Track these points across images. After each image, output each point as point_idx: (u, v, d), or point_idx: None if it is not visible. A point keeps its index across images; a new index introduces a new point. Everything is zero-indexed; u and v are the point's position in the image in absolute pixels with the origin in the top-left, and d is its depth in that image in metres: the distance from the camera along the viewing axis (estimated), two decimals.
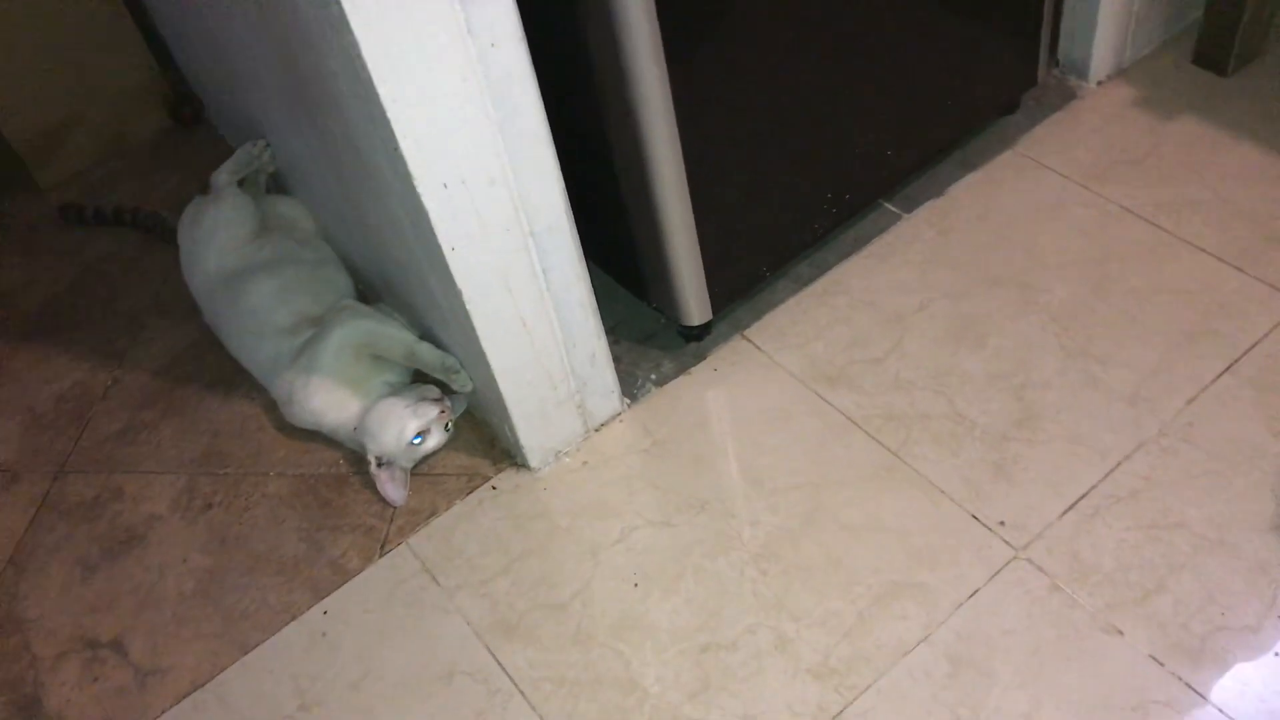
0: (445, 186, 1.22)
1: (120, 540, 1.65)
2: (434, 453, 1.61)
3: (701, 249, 1.52)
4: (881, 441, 1.52)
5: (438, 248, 1.27)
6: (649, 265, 1.58)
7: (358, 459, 1.66)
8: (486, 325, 1.38)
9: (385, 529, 1.58)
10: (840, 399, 1.58)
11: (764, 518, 1.47)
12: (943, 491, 1.45)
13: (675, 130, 1.37)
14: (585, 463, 1.59)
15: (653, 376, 1.67)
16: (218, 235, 1.81)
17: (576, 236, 1.40)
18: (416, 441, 1.56)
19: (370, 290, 1.85)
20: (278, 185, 1.99)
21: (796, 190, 1.61)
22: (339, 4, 1.04)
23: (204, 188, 1.92)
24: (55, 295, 2.10)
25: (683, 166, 1.41)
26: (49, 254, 2.19)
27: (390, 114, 1.13)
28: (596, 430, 1.62)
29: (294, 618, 1.50)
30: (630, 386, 1.65)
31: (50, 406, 1.88)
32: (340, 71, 1.17)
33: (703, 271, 1.55)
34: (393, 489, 1.57)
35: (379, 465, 1.57)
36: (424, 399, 1.58)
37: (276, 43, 1.39)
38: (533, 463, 1.59)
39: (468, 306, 1.34)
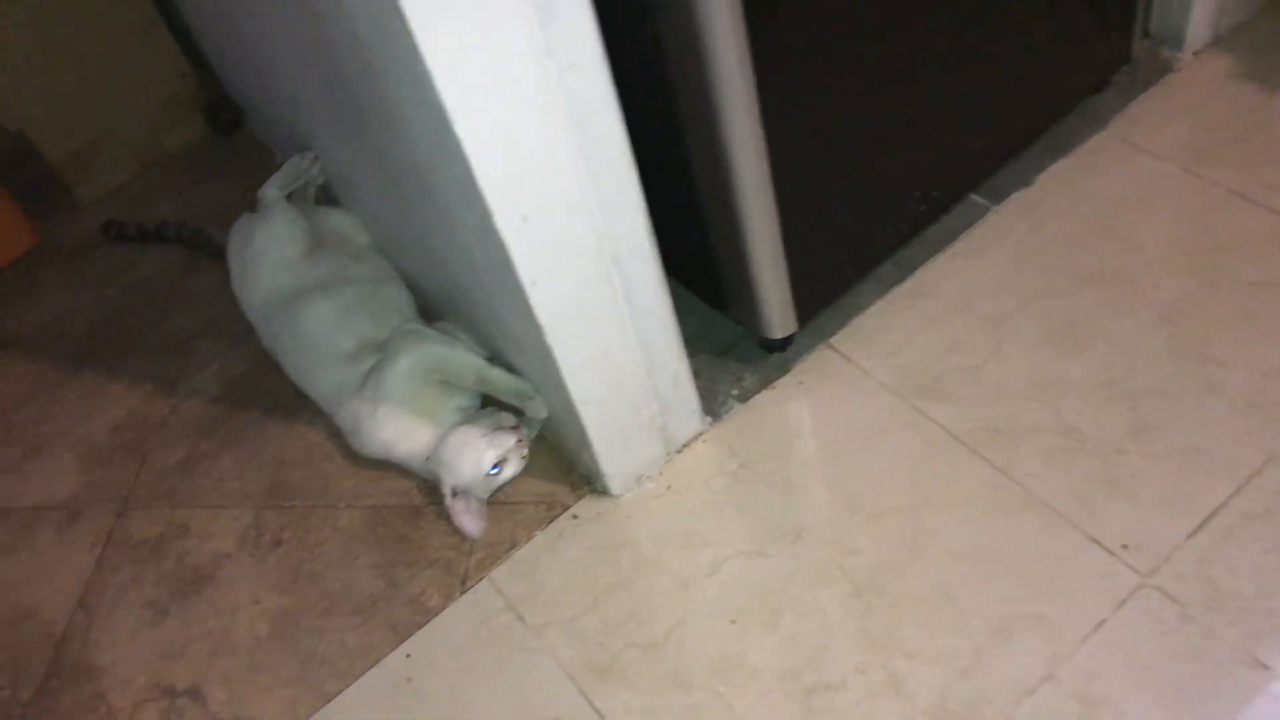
0: (525, 219, 1.14)
1: (189, 581, 1.59)
2: (510, 480, 1.53)
3: (787, 258, 1.43)
4: (986, 458, 1.43)
5: (516, 283, 1.19)
6: (729, 277, 1.49)
7: (430, 488, 1.60)
8: (568, 357, 1.30)
9: (465, 563, 1.51)
10: (938, 412, 1.49)
11: (865, 545, 1.39)
12: (1057, 512, 1.36)
13: (761, 134, 1.27)
14: (669, 488, 1.51)
15: (734, 392, 1.59)
16: (270, 254, 1.74)
17: (659, 259, 1.32)
18: (494, 472, 1.49)
19: (431, 307, 1.77)
20: (327, 197, 1.92)
21: (884, 189, 1.51)
22: (408, 31, 0.95)
23: (252, 203, 1.85)
24: (102, 319, 2.04)
25: (768, 171, 1.32)
26: (93, 275, 2.13)
27: (467, 148, 1.05)
28: (679, 452, 1.55)
29: (375, 662, 1.44)
30: (711, 403, 1.57)
31: (106, 438, 1.82)
32: (407, 99, 1.09)
33: (788, 282, 1.46)
34: (469, 520, 1.51)
35: (454, 496, 1.50)
36: (500, 427, 1.50)
37: (329, 61, 1.30)
38: (614, 489, 1.51)
39: (548, 340, 1.26)
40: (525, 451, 1.52)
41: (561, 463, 1.58)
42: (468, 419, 1.55)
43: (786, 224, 1.39)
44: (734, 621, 1.36)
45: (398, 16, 0.94)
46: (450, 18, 0.96)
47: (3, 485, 1.80)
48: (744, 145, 1.27)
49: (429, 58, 0.97)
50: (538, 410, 1.50)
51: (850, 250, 1.54)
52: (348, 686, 1.43)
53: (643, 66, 1.24)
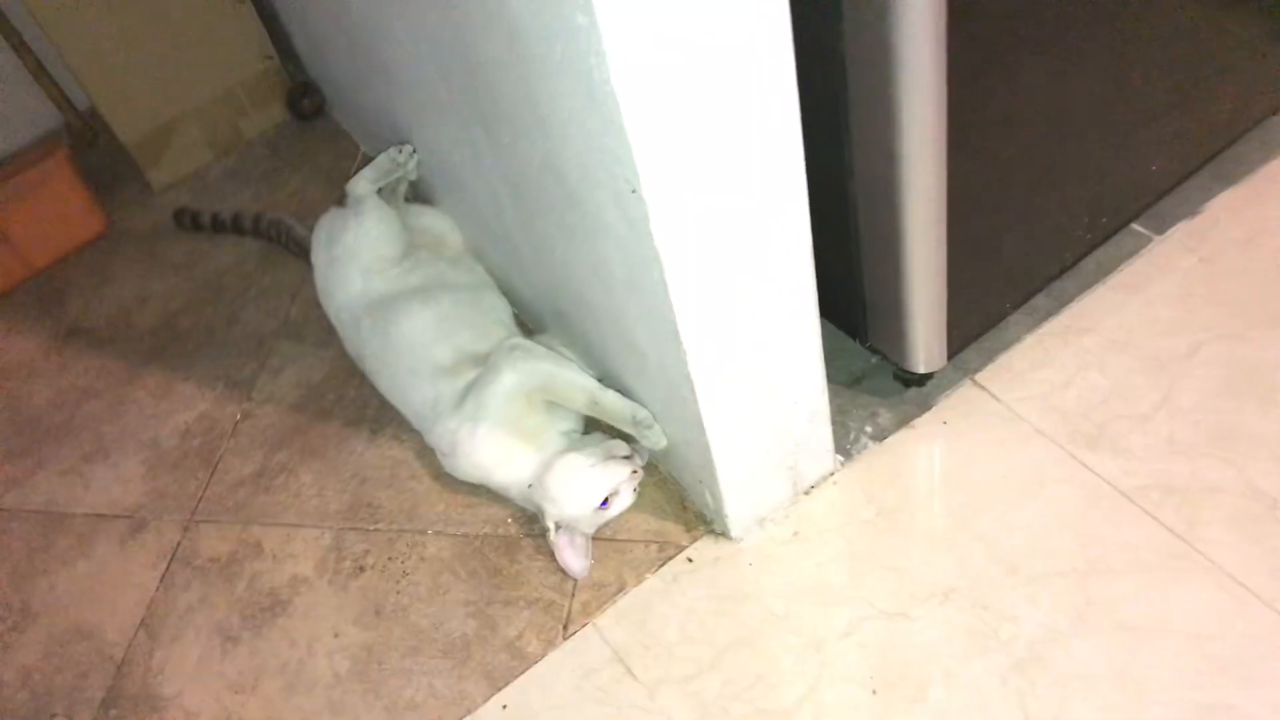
0: (686, 232, 1.00)
1: (262, 607, 1.46)
2: (618, 516, 1.39)
3: (949, 286, 1.28)
4: (1160, 520, 1.27)
5: (668, 304, 1.05)
6: (875, 301, 1.34)
7: (528, 517, 1.46)
8: (708, 387, 1.15)
9: (567, 605, 1.37)
10: (1103, 464, 1.33)
11: (1024, 612, 1.24)
12: (1247, 588, 1.20)
13: (943, 150, 1.12)
14: (796, 533, 1.37)
15: (868, 429, 1.44)
16: (361, 254, 1.61)
17: (814, 283, 1.17)
18: (603, 506, 1.35)
19: (529, 318, 1.63)
20: (417, 194, 1.78)
21: (1054, 214, 1.37)
22: (594, 23, 0.81)
23: (338, 197, 1.72)
24: (172, 313, 1.91)
25: (944, 193, 1.17)
26: (164, 265, 2.01)
27: (636, 147, 0.90)
28: (806, 494, 1.40)
29: (468, 712, 1.30)
30: (842, 441, 1.42)
31: (175, 443, 1.70)
32: (568, 97, 0.95)
33: (945, 312, 1.31)
34: (574, 558, 1.37)
35: (558, 530, 1.36)
36: (612, 456, 1.36)
37: (461, 50, 1.17)
38: (734, 531, 1.37)
39: (690, 368, 1.12)
40: (637, 485, 1.38)
41: (672, 498, 1.44)
42: (574, 445, 1.41)
43: (954, 248, 1.24)
44: (875, 692, 1.22)
45: (585, 9, 0.80)
46: (643, 7, 0.82)
47: (62, 488, 1.68)
48: (922, 159, 1.12)
49: (611, 54, 0.83)
50: (656, 441, 1.36)
51: (1010, 279, 1.39)
52: None
53: (814, 64, 1.10)
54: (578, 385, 1.40)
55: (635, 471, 1.36)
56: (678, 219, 0.98)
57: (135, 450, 1.70)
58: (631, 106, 0.87)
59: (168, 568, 1.54)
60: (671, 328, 1.08)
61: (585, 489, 1.34)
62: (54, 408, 1.81)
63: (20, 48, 2.20)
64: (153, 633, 1.47)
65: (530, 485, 1.39)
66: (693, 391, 1.15)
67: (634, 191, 0.95)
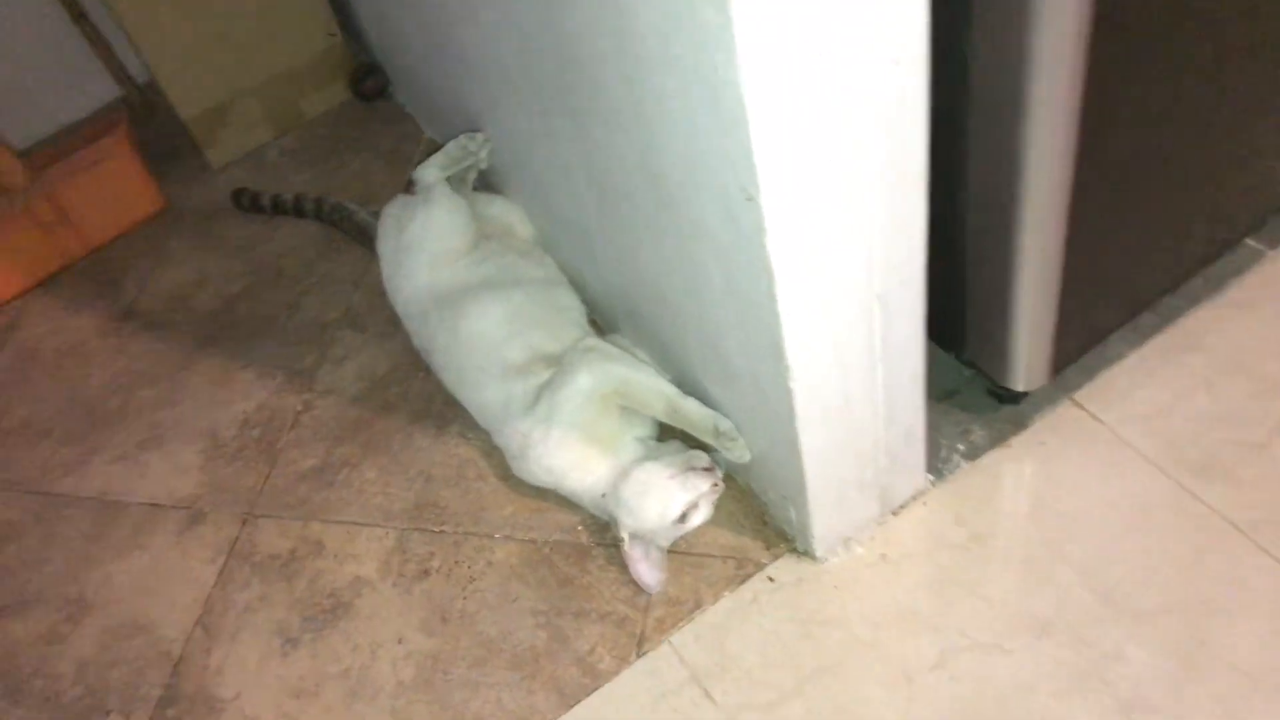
0: (802, 244, 0.93)
1: (324, 608, 1.41)
2: (695, 529, 1.33)
3: (1060, 301, 1.20)
4: (1278, 557, 1.20)
5: (773, 316, 0.98)
6: (978, 314, 1.27)
7: (599, 525, 1.40)
8: (807, 403, 1.09)
9: (641, 621, 1.31)
10: (1214, 495, 1.26)
11: (1129, 651, 1.17)
12: None
13: (1072, 158, 1.05)
14: (883, 556, 1.30)
15: (960, 447, 1.37)
16: (430, 244, 1.55)
17: (925, 301, 1.10)
18: (681, 519, 1.29)
19: (600, 316, 1.57)
20: (484, 182, 1.72)
21: (1173, 225, 1.29)
22: (725, 17, 0.74)
23: (404, 183, 1.66)
24: (231, 297, 1.87)
25: (1068, 204, 1.09)
26: (222, 247, 1.96)
27: (758, 152, 0.84)
28: (894, 514, 1.33)
29: None
30: (933, 459, 1.35)
31: (234, 433, 1.65)
32: (678, 93, 0.88)
33: (1054, 328, 1.24)
34: (648, 571, 1.31)
35: (632, 541, 1.31)
36: (692, 467, 1.30)
37: (555, 39, 1.10)
38: (818, 551, 1.30)
39: (791, 384, 1.05)
40: (716, 498, 1.32)
41: (751, 512, 1.37)
42: (650, 454, 1.35)
43: (1069, 262, 1.16)
44: None
45: (718, 6, 0.73)
46: (780, 7, 0.75)
47: (119, 475, 1.64)
48: (1048, 167, 1.05)
49: (743, 54, 0.76)
50: (740, 455, 1.29)
51: (1121, 294, 1.32)
52: None
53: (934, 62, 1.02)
54: (656, 391, 1.34)
55: (716, 485, 1.30)
56: (794, 230, 0.91)
57: (192, 439, 1.66)
58: (758, 110, 0.81)
59: (226, 563, 1.49)
60: (774, 342, 1.02)
61: (663, 501, 1.28)
62: (110, 391, 1.77)
63: (79, 18, 2.16)
64: (210, 630, 1.43)
65: (604, 494, 1.34)
66: (790, 409, 1.09)
67: (750, 199, 0.89)
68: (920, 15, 0.85)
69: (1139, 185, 1.18)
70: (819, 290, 0.98)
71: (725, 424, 1.29)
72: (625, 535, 1.31)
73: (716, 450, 1.32)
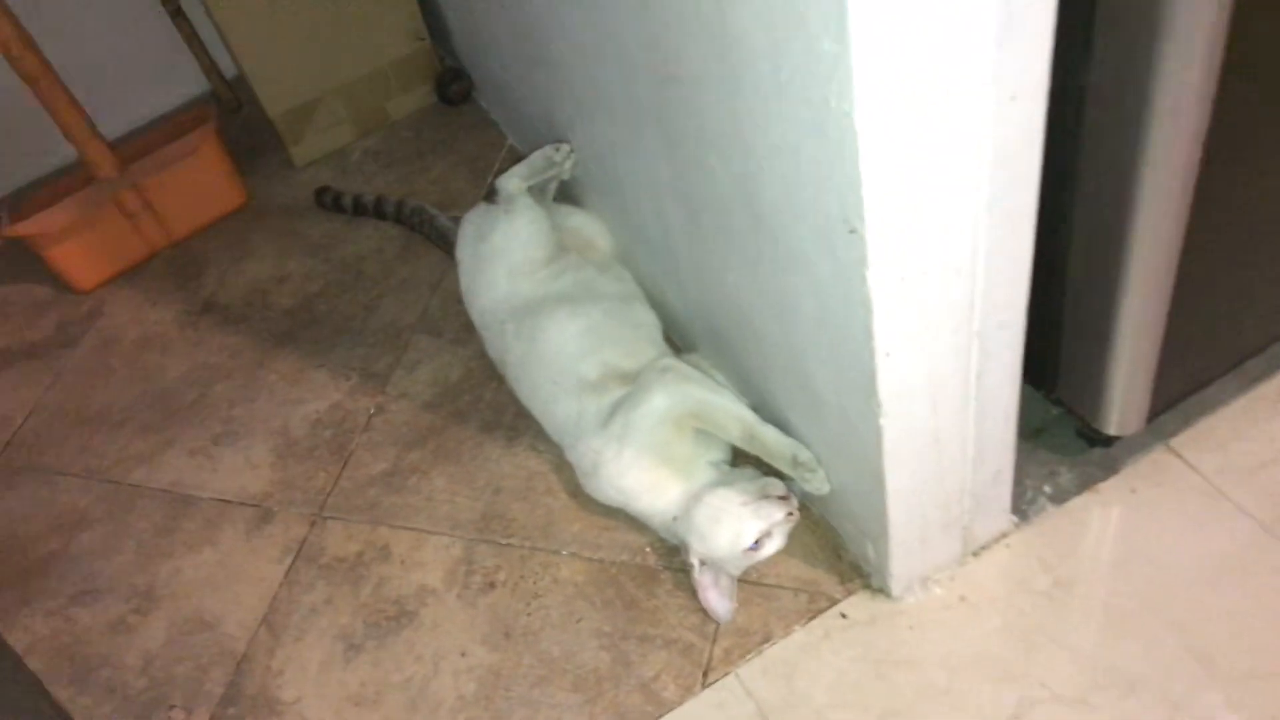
0: (903, 280, 0.90)
1: (388, 615, 1.41)
2: (767, 558, 1.30)
3: (1163, 344, 1.15)
4: None
5: (868, 351, 0.95)
6: (1074, 353, 1.23)
7: (669, 549, 1.38)
8: (896, 441, 1.05)
9: (708, 650, 1.28)
10: None
11: (1223, 715, 1.11)
12: None
13: (1189, 199, 1.00)
14: (962, 598, 1.26)
15: (1047, 489, 1.32)
16: (510, 255, 1.54)
17: (1023, 342, 1.06)
18: (754, 548, 1.26)
19: (678, 335, 1.55)
20: (564, 194, 1.71)
21: None
22: (843, 47, 0.71)
23: (488, 192, 1.65)
24: (310, 295, 1.88)
25: (1180, 245, 1.05)
26: (303, 244, 1.97)
27: (867, 189, 0.81)
28: (975, 555, 1.29)
29: None
30: (1018, 500, 1.31)
31: (306, 432, 1.65)
32: (784, 120, 0.86)
33: (1154, 371, 1.19)
34: (718, 600, 1.28)
35: (701, 568, 1.28)
36: (766, 495, 1.27)
37: (650, 51, 1.08)
38: (895, 589, 1.27)
39: (881, 420, 1.02)
40: (790, 528, 1.29)
41: (826, 545, 1.34)
42: (724, 479, 1.32)
43: (1176, 305, 1.11)
44: None
45: (836, 35, 0.71)
46: (901, 40, 0.72)
47: (190, 469, 1.65)
48: (1163, 207, 1.01)
49: (859, 86, 0.73)
50: (819, 486, 1.26)
51: (1228, 340, 1.26)
52: None
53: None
54: (734, 415, 1.31)
55: (791, 514, 1.26)
56: (896, 265, 0.88)
57: (265, 436, 1.67)
58: (869, 142, 0.78)
59: (293, 563, 1.49)
60: (867, 377, 0.98)
61: (736, 528, 1.25)
62: (186, 384, 1.78)
63: (174, 13, 2.19)
64: (275, 631, 1.43)
65: (675, 518, 1.31)
66: (878, 445, 1.05)
67: (853, 232, 0.86)
68: (1043, 51, 0.81)
69: (1255, 229, 1.13)
70: (917, 326, 0.95)
71: (805, 454, 1.26)
72: (695, 561, 1.28)
73: (793, 480, 1.29)
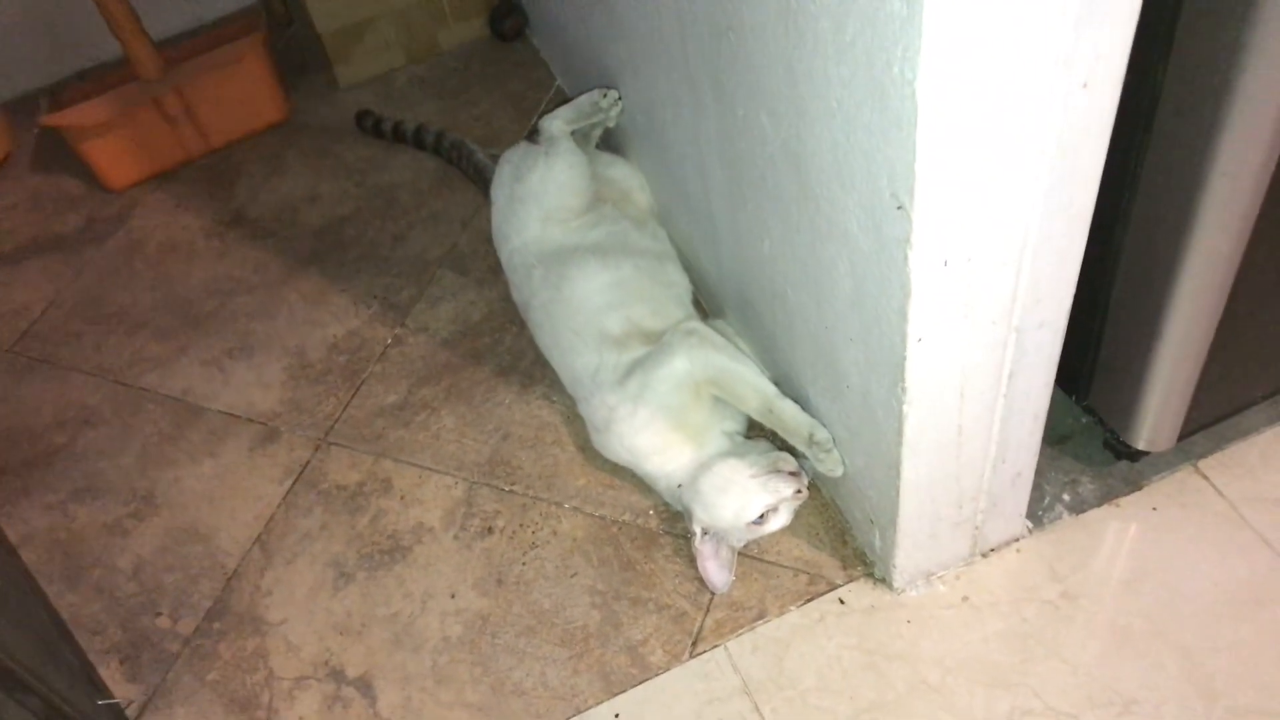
0: (945, 264, 0.86)
1: (382, 549, 1.39)
2: (771, 534, 1.28)
3: (1206, 361, 1.11)
4: None
5: (901, 335, 0.91)
6: (1111, 362, 1.19)
7: (672, 514, 1.35)
8: (917, 432, 1.02)
9: (699, 620, 1.26)
10: None
11: None
12: None
13: (1253, 215, 0.96)
14: (965, 599, 1.23)
15: (1065, 498, 1.29)
16: (546, 198, 1.51)
17: (1063, 336, 1.02)
18: (758, 522, 1.23)
19: (707, 299, 1.52)
20: (608, 142, 1.67)
21: None
22: (913, 9, 0.67)
23: (530, 131, 1.61)
24: (340, 218, 1.85)
25: (1236, 265, 1.00)
26: (338, 166, 1.94)
27: (920, 160, 0.77)
28: (984, 555, 1.26)
29: (578, 712, 1.21)
30: (1034, 505, 1.27)
31: (321, 355, 1.64)
32: (842, 83, 0.82)
33: (1192, 390, 1.15)
34: (716, 570, 1.26)
35: (704, 537, 1.25)
36: (777, 470, 1.24)
37: (722, 10, 1.04)
38: (897, 581, 1.24)
39: (905, 408, 0.98)
40: (797, 505, 1.26)
41: (832, 528, 1.31)
42: (736, 450, 1.29)
43: (1224, 324, 1.07)
44: None
45: None
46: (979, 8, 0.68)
47: (202, 379, 1.64)
48: (1224, 222, 0.96)
49: (927, 53, 0.69)
50: (833, 467, 1.23)
51: (1269, 365, 1.21)
52: None
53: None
54: (754, 387, 1.28)
55: (799, 492, 1.24)
56: (940, 247, 0.84)
57: (280, 355, 1.65)
58: (929, 114, 0.74)
59: (293, 485, 1.48)
60: (896, 361, 0.95)
61: (742, 500, 1.23)
62: (207, 294, 1.77)
63: None
64: (268, 551, 1.42)
65: (680, 485, 1.29)
66: (899, 432, 1.02)
67: (900, 208, 0.82)
68: (1123, 38, 0.77)
69: None
70: (955, 315, 0.91)
71: (822, 433, 1.23)
72: (698, 529, 1.26)
73: (806, 458, 1.26)
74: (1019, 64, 0.74)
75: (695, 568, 1.27)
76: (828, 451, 1.23)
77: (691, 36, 1.14)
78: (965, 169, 0.79)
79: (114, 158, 1.94)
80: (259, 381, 1.62)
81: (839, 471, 1.23)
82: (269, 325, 1.69)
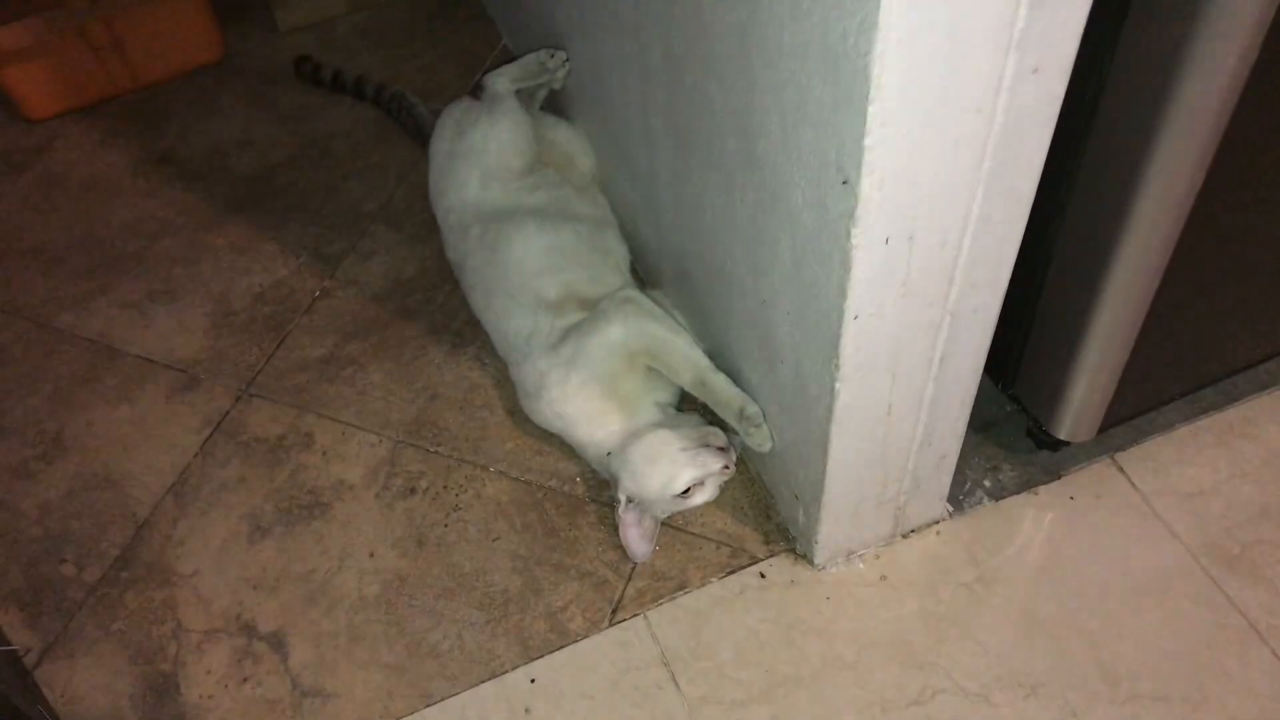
0: (887, 242, 0.86)
1: (301, 504, 1.36)
2: (697, 508, 1.28)
3: (1131, 356, 1.13)
4: None
5: (838, 311, 0.91)
6: (1038, 353, 1.21)
7: (599, 481, 1.35)
8: (847, 410, 1.02)
9: (620, 588, 1.26)
10: (1241, 591, 1.20)
11: None
12: None
13: (1183, 216, 0.98)
14: (883, 578, 1.25)
15: (986, 483, 1.31)
16: (487, 156, 1.48)
17: (995, 322, 1.03)
18: (685, 494, 1.23)
19: (645, 269, 1.51)
20: (553, 105, 1.65)
21: (1265, 305, 1.21)
22: None
23: (474, 88, 1.58)
24: (272, 165, 1.80)
25: (1165, 263, 1.02)
26: (273, 113, 1.89)
27: (870, 135, 0.76)
28: (904, 537, 1.28)
29: (493, 675, 1.20)
30: (955, 490, 1.29)
31: (245, 304, 1.59)
32: (795, 53, 0.81)
33: (1115, 383, 1.17)
34: (638, 540, 1.26)
35: (628, 505, 1.25)
36: (706, 444, 1.24)
37: None
38: (818, 558, 1.25)
39: (837, 384, 0.99)
40: (725, 480, 1.27)
41: (757, 502, 1.32)
42: (667, 421, 1.29)
43: (1149, 321, 1.09)
44: None
45: None
46: None
47: (121, 321, 1.59)
48: (1156, 221, 0.98)
49: (884, 27, 0.69)
50: (761, 443, 1.23)
51: (1190, 364, 1.24)
52: (455, 694, 1.19)
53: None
54: (688, 358, 1.28)
55: (727, 467, 1.24)
56: (883, 225, 0.84)
57: (203, 301, 1.60)
58: (882, 91, 0.73)
59: (210, 435, 1.44)
60: (831, 337, 0.95)
61: (670, 472, 1.22)
62: (129, 234, 1.71)
63: None
64: (182, 501, 1.38)
65: (610, 453, 1.28)
66: (829, 408, 1.02)
67: (845, 182, 0.81)
68: (1076, 24, 0.77)
69: (1239, 260, 1.11)
70: (892, 294, 0.91)
71: (753, 408, 1.23)
72: (622, 498, 1.25)
73: (736, 433, 1.26)
74: (973, 44, 0.73)
75: (618, 536, 1.27)
76: (757, 426, 1.23)
77: (634, 6, 1.12)
78: (913, 146, 0.79)
79: (35, 86, 1.86)
80: (180, 328, 1.57)
81: (768, 447, 1.23)
82: (193, 270, 1.64)
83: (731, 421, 1.26)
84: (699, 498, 1.25)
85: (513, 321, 1.38)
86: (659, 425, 1.27)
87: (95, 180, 1.80)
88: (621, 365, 1.29)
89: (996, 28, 0.73)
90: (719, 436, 1.26)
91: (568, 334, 1.32)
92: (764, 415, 1.22)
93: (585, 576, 1.27)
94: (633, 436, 1.26)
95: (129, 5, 1.85)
